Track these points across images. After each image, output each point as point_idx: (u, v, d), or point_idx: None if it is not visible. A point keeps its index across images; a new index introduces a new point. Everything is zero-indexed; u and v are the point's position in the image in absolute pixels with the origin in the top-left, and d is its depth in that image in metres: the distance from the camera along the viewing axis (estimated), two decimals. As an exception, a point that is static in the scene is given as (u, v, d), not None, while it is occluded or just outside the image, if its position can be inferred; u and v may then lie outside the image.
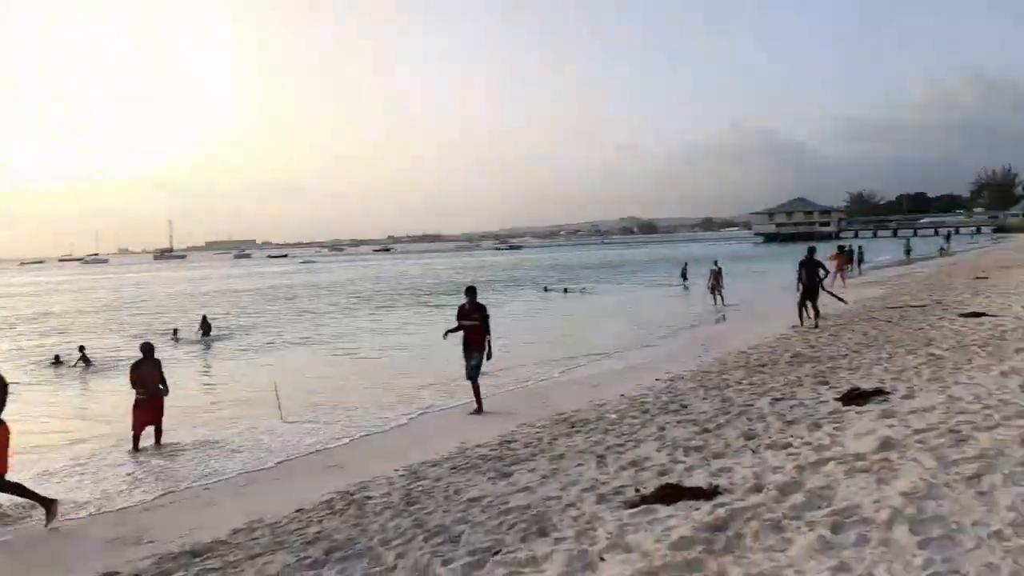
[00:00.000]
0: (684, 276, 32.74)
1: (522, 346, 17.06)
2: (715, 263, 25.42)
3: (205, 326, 22.39)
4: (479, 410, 10.38)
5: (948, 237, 65.43)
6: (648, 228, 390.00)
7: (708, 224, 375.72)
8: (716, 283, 24.33)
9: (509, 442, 7.98)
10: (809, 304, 15.76)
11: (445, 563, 4.34)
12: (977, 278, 22.84)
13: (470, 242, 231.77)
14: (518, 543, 4.51)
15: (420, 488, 6.45)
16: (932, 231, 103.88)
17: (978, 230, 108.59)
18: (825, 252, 33.12)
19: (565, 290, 35.14)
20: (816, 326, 15.11)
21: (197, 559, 5.25)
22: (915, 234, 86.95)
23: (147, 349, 10.14)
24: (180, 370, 15.66)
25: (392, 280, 54.49)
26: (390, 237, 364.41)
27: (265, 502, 6.86)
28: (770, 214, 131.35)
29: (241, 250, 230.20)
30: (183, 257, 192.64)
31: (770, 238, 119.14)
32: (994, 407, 6.31)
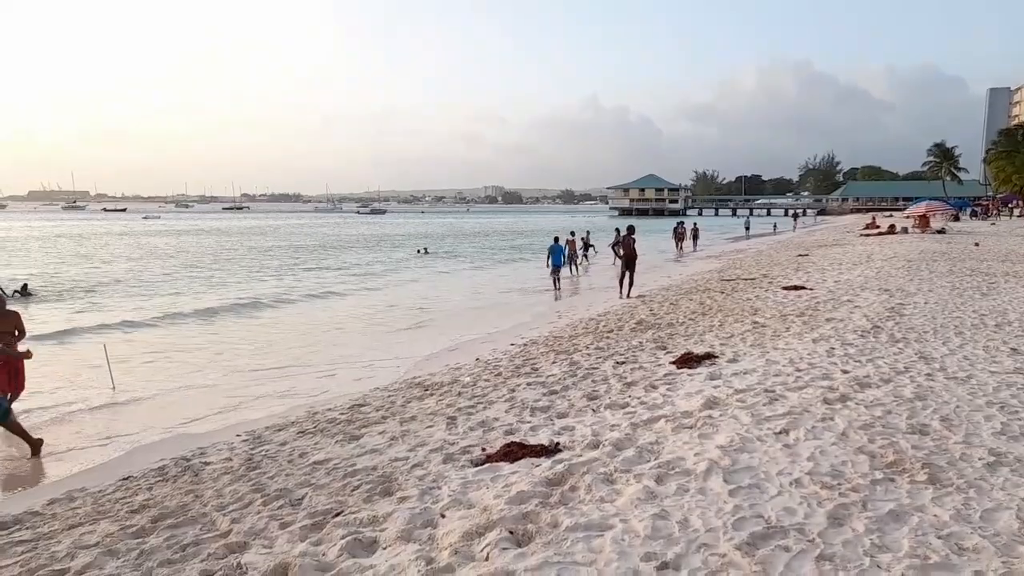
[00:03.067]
0: (587, 246, 30.33)
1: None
2: (571, 234, 26.35)
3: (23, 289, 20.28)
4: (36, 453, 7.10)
5: (795, 217, 71.47)
6: (511, 198, 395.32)
7: (569, 196, 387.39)
8: (572, 253, 25.28)
9: (360, 406, 7.87)
10: (628, 274, 17.01)
11: (283, 526, 4.24)
12: (800, 255, 25.26)
13: (332, 204, 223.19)
14: (361, 504, 4.48)
15: (263, 452, 6.22)
16: (766, 211, 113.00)
17: (804, 212, 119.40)
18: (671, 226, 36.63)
19: (425, 250, 38.23)
20: (629, 295, 16.61)
21: (3, 532, 4.77)
22: (751, 213, 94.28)
23: None
24: None
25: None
26: (244, 195, 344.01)
27: (89, 473, 6.36)
28: (625, 189, 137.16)
29: (71, 201, 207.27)
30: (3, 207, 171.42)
31: (625, 212, 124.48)
32: (804, 370, 7.07)
